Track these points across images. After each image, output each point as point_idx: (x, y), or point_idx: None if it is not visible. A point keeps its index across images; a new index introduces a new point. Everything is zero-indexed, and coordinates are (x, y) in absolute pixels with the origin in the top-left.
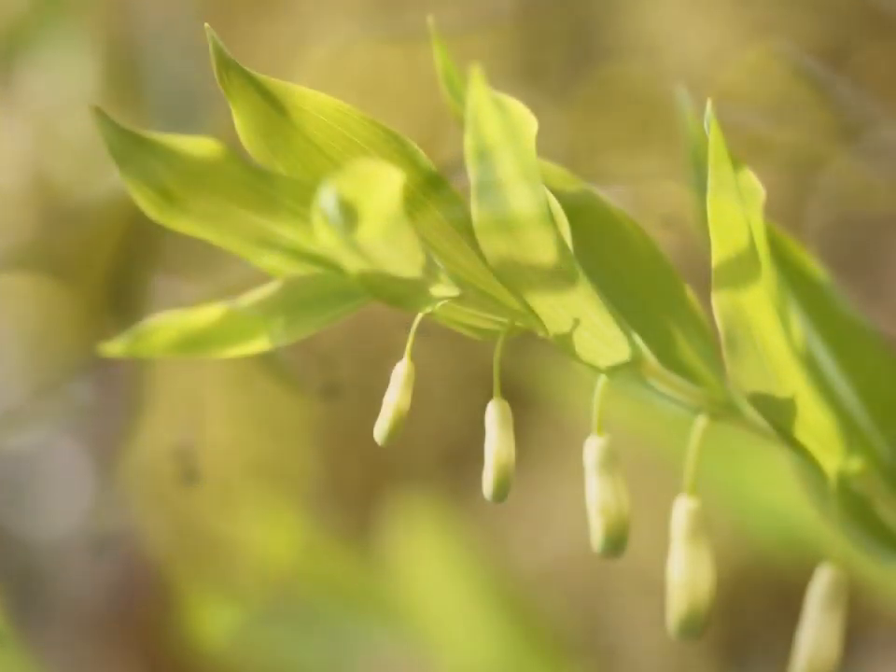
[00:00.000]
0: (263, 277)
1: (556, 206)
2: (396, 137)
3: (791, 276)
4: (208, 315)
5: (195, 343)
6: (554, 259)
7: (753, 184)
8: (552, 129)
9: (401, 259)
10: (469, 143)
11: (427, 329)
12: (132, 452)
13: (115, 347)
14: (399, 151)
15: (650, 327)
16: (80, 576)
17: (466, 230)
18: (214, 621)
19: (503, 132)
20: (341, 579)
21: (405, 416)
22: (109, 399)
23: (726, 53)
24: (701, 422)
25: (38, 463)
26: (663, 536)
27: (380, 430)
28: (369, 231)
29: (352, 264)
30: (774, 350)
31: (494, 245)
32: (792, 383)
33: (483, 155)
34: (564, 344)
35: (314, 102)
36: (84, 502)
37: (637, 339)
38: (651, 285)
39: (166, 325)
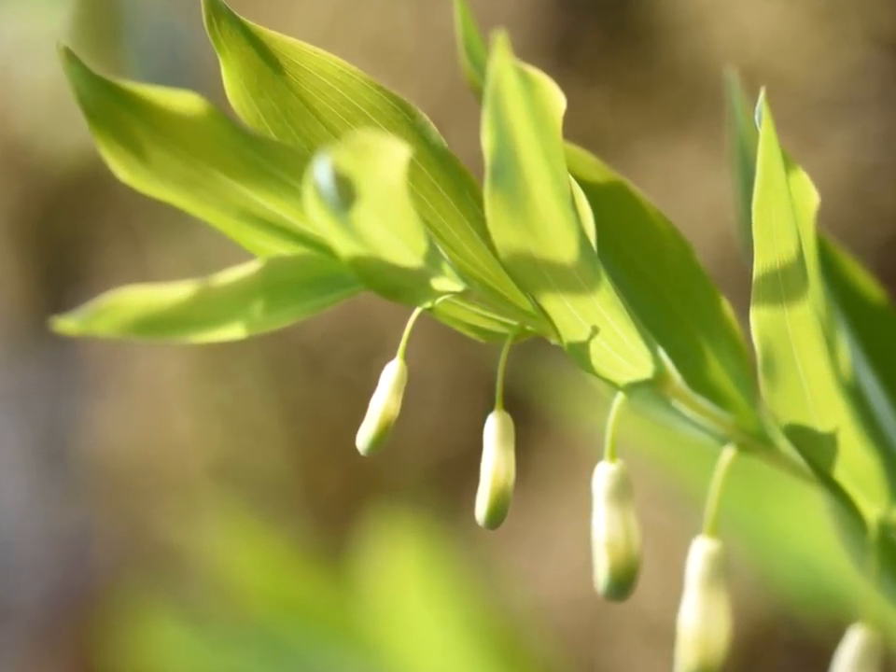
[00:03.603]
0: (243, 254)
1: (581, 197)
2: (404, 106)
3: (842, 295)
4: (177, 293)
5: (161, 324)
6: (574, 257)
7: (806, 187)
8: (581, 109)
9: (401, 246)
10: (486, 118)
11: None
12: (83, 444)
13: (69, 323)
14: (406, 122)
15: (677, 341)
16: (19, 577)
17: (476, 217)
18: (163, 639)
19: (526, 108)
20: (310, 601)
21: (392, 423)
22: (60, 383)
23: (785, 36)
24: (728, 453)
25: None
26: (675, 579)
27: (363, 437)
28: (366, 210)
29: (345, 247)
30: (816, 377)
31: (507, 237)
32: (835, 416)
33: (502, 133)
34: (578, 355)
35: (314, 60)
36: (28, 497)
37: (662, 354)
38: (682, 293)
39: (129, 301)
